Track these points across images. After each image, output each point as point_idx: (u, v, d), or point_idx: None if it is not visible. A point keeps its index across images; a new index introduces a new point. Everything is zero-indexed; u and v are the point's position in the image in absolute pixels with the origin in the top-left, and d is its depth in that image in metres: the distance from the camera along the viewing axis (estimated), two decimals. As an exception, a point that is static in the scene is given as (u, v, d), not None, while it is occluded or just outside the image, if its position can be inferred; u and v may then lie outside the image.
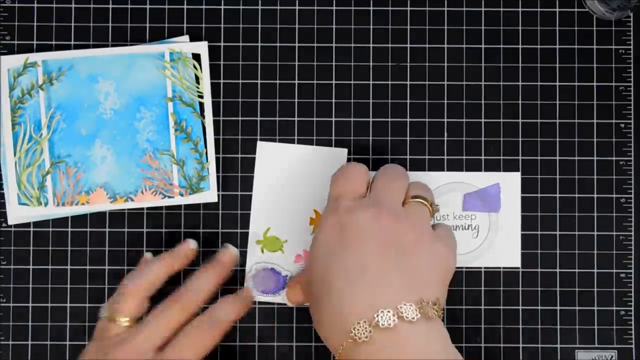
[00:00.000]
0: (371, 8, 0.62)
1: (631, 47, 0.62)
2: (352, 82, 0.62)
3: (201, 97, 0.61)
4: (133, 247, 0.61)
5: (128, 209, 0.61)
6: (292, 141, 0.62)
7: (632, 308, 0.61)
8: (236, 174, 0.61)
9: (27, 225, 0.61)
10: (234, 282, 0.61)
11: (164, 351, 0.52)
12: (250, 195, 0.61)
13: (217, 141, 0.61)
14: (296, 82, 0.62)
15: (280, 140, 0.62)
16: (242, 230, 0.61)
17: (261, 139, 0.62)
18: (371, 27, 0.62)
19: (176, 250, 0.57)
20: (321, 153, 0.61)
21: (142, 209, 0.61)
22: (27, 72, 0.60)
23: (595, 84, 0.62)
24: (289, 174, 0.61)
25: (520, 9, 0.62)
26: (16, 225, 0.61)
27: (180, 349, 0.52)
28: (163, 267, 0.56)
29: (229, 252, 0.58)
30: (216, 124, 0.61)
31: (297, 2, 0.62)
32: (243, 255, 0.61)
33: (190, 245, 0.58)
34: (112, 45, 0.61)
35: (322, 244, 0.51)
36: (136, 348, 0.51)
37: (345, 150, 0.61)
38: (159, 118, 0.61)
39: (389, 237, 0.50)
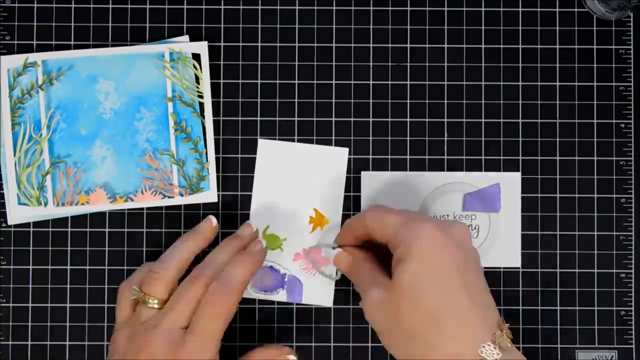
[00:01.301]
0: (371, 8, 0.62)
1: (631, 47, 0.62)
2: (352, 82, 0.62)
3: (201, 97, 0.61)
4: (133, 247, 0.61)
5: (128, 209, 0.61)
6: (292, 141, 0.62)
7: (632, 308, 0.61)
8: (236, 174, 0.61)
9: (27, 225, 0.61)
10: (233, 282, 0.61)
11: (190, 329, 0.53)
12: (250, 195, 0.61)
13: (217, 141, 0.61)
14: (296, 82, 0.62)
15: (280, 140, 0.62)
16: (242, 230, 0.61)
17: (261, 139, 0.62)
18: (371, 27, 0.62)
19: (200, 230, 0.58)
20: (322, 152, 0.61)
21: (142, 209, 0.61)
22: (27, 72, 0.60)
23: (595, 84, 0.62)
24: (290, 172, 0.61)
25: (520, 9, 0.62)
26: (16, 225, 0.61)
27: (204, 322, 0.52)
28: (190, 248, 0.56)
29: (249, 227, 0.59)
30: (216, 124, 0.61)
31: (297, 2, 0.62)
32: (243, 255, 0.61)
33: (213, 223, 0.58)
34: (112, 45, 0.62)
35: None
36: (164, 332, 0.52)
37: (346, 150, 0.61)
38: (159, 118, 0.61)
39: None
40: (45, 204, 0.60)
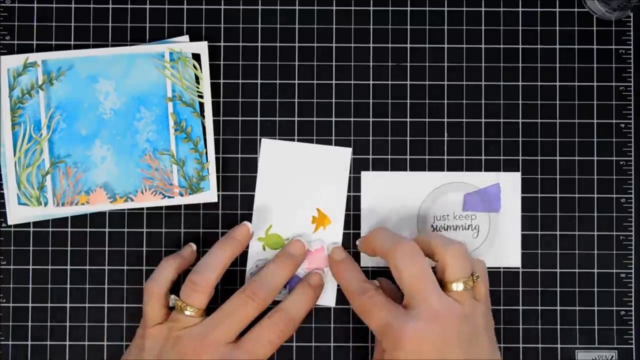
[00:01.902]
0: (371, 8, 0.62)
1: (631, 47, 0.62)
2: (352, 82, 0.62)
3: (201, 97, 0.61)
4: (133, 247, 0.61)
5: (128, 209, 0.61)
6: (292, 141, 0.62)
7: (632, 308, 0.61)
8: (236, 174, 0.61)
9: (27, 225, 0.61)
10: (234, 280, 0.61)
11: (238, 345, 0.54)
12: (250, 196, 0.61)
13: (217, 141, 0.61)
14: (296, 82, 0.62)
15: (281, 140, 0.62)
16: (242, 230, 0.61)
17: (264, 138, 0.62)
18: (371, 27, 0.62)
19: (236, 235, 0.58)
20: (325, 151, 0.61)
21: (142, 209, 0.61)
22: (27, 72, 0.60)
23: (595, 84, 0.62)
24: (293, 172, 0.61)
25: (520, 9, 0.62)
26: (16, 225, 0.61)
27: (258, 345, 0.54)
28: (227, 255, 0.57)
29: (301, 245, 0.59)
30: (216, 124, 0.61)
31: (297, 2, 0.62)
32: (244, 252, 0.61)
33: (250, 229, 0.59)
34: (112, 45, 0.62)
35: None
36: (213, 344, 0.54)
37: (350, 150, 0.61)
38: (159, 118, 0.61)
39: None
40: (45, 204, 0.60)
